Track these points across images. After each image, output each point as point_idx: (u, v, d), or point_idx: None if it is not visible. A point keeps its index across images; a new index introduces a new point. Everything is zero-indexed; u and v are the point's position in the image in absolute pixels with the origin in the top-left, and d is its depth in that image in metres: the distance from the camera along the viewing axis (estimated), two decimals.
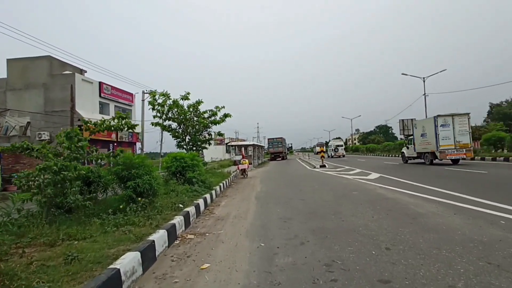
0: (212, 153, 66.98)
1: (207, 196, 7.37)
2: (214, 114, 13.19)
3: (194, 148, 12.85)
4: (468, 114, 14.99)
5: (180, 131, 12.55)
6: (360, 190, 8.05)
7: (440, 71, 24.65)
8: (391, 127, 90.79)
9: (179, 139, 12.62)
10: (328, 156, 38.26)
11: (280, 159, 41.47)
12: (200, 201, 6.48)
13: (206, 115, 13.17)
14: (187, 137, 12.57)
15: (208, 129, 13.16)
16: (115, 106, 23.85)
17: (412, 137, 18.06)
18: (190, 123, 12.40)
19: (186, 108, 12.46)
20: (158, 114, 11.97)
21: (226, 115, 13.18)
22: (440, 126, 15.02)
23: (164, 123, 12.36)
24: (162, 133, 24.53)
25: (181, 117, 12.20)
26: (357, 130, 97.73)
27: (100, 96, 21.73)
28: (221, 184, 10.20)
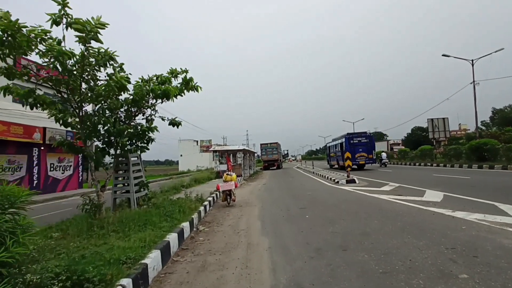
0: (198, 161, 59.56)
1: None
2: (165, 80, 6.18)
3: (115, 151, 5.84)
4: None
5: (68, 105, 5.26)
6: None
7: (496, 51, 18.63)
8: (386, 134, 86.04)
9: (72, 125, 5.44)
10: None
11: (274, 167, 35.39)
12: None
13: (151, 86, 6.15)
14: (87, 122, 5.33)
15: (146, 110, 6.11)
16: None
17: None
18: (88, 82, 5.06)
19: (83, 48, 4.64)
20: None
21: (187, 82, 6.24)
22: None
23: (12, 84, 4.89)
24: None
25: (60, 64, 4.46)
26: None
27: None
28: (152, 267, 3.17)
